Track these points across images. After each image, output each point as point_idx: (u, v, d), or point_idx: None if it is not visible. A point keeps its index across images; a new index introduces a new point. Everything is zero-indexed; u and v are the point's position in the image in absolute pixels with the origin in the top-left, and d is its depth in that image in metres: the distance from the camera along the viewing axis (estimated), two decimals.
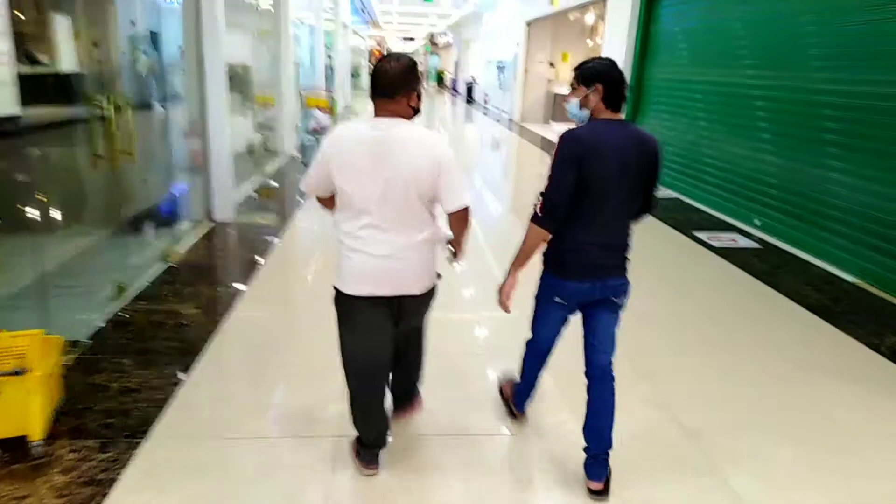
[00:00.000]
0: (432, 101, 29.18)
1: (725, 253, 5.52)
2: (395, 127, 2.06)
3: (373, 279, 2.14)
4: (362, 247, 2.12)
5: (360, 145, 2.06)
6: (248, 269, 4.68)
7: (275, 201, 7.34)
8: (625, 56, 9.36)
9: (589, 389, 2.38)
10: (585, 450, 2.35)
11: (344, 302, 2.21)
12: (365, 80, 31.53)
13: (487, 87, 23.97)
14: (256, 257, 4.95)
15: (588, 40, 16.68)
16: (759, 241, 5.96)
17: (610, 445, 2.32)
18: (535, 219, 2.20)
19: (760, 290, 4.68)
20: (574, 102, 2.23)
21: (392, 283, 2.15)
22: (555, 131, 13.91)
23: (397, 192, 2.05)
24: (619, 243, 2.27)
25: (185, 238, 5.20)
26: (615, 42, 9.89)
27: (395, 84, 2.06)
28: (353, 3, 21.25)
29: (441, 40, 41.47)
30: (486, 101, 24.25)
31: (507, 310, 2.35)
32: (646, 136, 2.20)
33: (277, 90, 9.52)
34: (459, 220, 2.20)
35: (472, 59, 28.24)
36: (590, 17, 15.96)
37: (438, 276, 2.31)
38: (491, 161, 12.45)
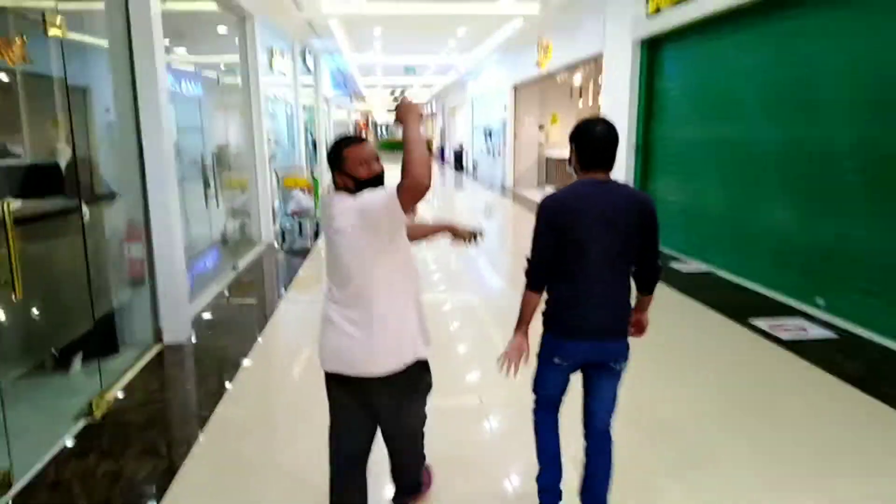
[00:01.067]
0: None
1: (798, 348, 4.43)
2: (333, 199, 2.10)
3: (333, 355, 2.15)
4: (327, 321, 2.16)
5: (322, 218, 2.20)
6: (196, 421, 3.55)
7: (248, 301, 6.27)
8: (627, 114, 8.58)
9: (586, 450, 2.40)
10: None
11: (325, 378, 2.25)
12: None
13: (475, 154, 23.45)
14: (213, 395, 3.83)
15: (579, 101, 16.15)
16: (831, 326, 4.90)
17: None
18: (526, 284, 2.31)
19: (866, 405, 3.58)
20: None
21: (348, 362, 2.12)
22: None
23: (342, 262, 2.07)
24: (613, 303, 2.24)
25: (120, 376, 4.07)
26: (614, 100, 9.15)
27: (328, 164, 2.17)
28: (334, 77, 20.88)
29: (425, 110, 41.65)
30: (474, 168, 23.68)
31: (511, 368, 2.32)
32: (633, 195, 2.22)
33: (251, 172, 8.63)
34: (410, 189, 1.84)
35: (458, 127, 27.93)
36: (577, 78, 15.49)
37: (424, 365, 2.25)
38: (485, 230, 11.54)
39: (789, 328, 4.84)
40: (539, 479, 2.43)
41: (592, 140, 2.19)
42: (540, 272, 2.25)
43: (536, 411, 2.47)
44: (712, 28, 6.79)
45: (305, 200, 9.54)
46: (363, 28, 13.11)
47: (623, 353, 2.28)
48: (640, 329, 2.43)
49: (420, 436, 2.41)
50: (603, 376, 2.30)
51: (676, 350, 4.47)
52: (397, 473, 2.45)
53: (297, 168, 11.86)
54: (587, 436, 2.40)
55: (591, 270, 2.17)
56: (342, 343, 2.09)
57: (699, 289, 6.12)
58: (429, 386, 2.32)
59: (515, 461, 3.00)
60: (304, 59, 13.75)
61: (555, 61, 12.49)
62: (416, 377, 2.20)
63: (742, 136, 6.40)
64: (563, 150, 15.52)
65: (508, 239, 10.72)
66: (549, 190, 2.35)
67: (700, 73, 7.21)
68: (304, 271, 7.56)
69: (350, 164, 2.08)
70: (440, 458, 2.82)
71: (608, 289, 2.20)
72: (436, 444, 2.62)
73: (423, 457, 2.51)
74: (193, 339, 4.81)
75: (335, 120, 25.57)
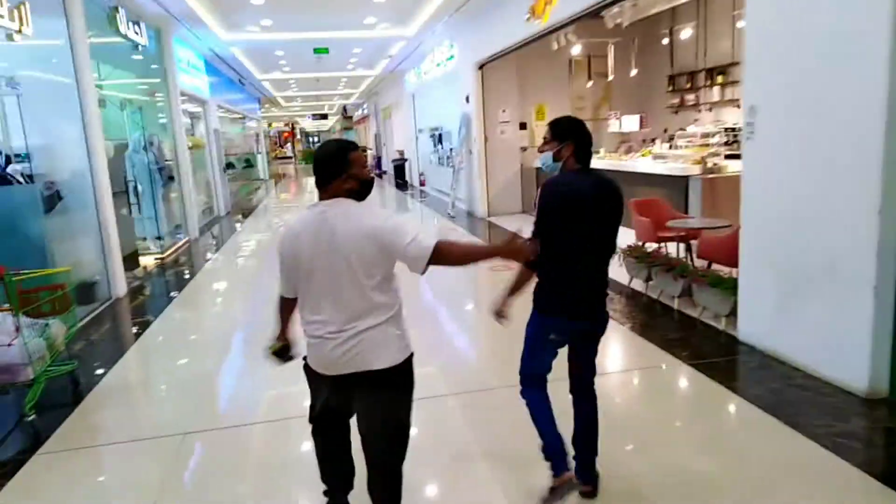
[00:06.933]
0: None
1: None
2: (335, 206, 2.13)
3: (324, 362, 2.19)
4: (314, 331, 2.17)
5: (307, 230, 2.13)
6: None
7: None
8: (887, 83, 3.03)
9: (574, 405, 2.62)
10: (574, 457, 2.56)
11: (306, 369, 2.31)
12: (262, 167, 25.18)
13: (422, 164, 17.72)
14: None
15: (587, 82, 10.62)
16: None
17: (596, 453, 2.60)
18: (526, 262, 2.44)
19: None
20: (548, 155, 2.47)
21: (347, 364, 2.15)
22: None
23: (341, 273, 2.09)
24: (600, 281, 2.49)
25: None
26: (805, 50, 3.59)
27: (322, 172, 2.17)
28: (214, 69, 14.72)
29: (356, 113, 35.55)
30: (422, 183, 17.95)
31: (503, 318, 2.59)
32: (609, 182, 2.44)
33: None
34: (444, 261, 2.10)
35: (396, 130, 22.09)
36: (576, 48, 9.97)
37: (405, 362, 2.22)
38: (447, 289, 5.88)
39: None
40: (545, 449, 2.54)
41: (588, 137, 2.44)
42: (543, 252, 2.37)
43: (524, 392, 2.61)
44: None
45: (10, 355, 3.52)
46: None
47: (606, 321, 2.55)
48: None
49: (403, 441, 2.30)
50: (588, 341, 2.57)
51: None
52: (376, 486, 2.30)
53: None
54: (574, 393, 2.62)
55: (583, 254, 2.41)
56: (343, 349, 2.12)
57: None
58: (413, 385, 2.29)
59: None
60: (111, 20, 7.66)
61: (571, 3, 6.86)
62: (410, 373, 2.25)
63: None
64: None
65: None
66: None
67: None
68: None
69: (357, 167, 2.17)
70: None
71: (596, 270, 2.47)
72: None
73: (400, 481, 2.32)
74: None
75: (247, 129, 19.33)
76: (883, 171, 3.09)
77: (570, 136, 2.42)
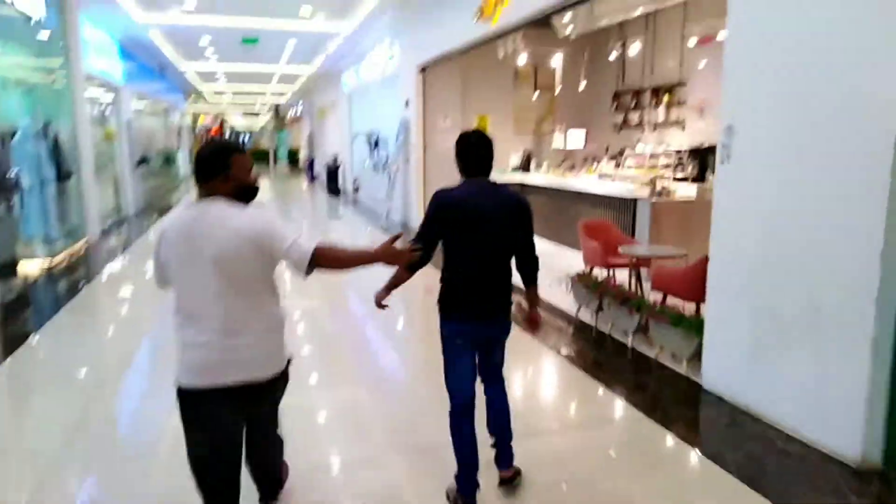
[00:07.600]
0: (285, 186, 21.59)
1: None
2: (211, 206, 2.04)
3: (200, 369, 2.03)
4: (194, 336, 2.03)
5: (180, 230, 2.05)
6: None
7: None
8: None
9: (485, 392, 2.75)
10: (492, 445, 2.73)
11: (184, 398, 2.07)
12: (183, 165, 23.60)
13: (357, 170, 16.92)
14: None
15: (533, 92, 10.18)
16: None
17: (510, 436, 2.73)
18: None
19: None
20: None
21: (235, 371, 2.04)
22: None
23: (216, 277, 2.00)
24: (499, 289, 2.60)
25: None
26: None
27: (202, 169, 2.08)
28: (129, 54, 13.44)
29: (289, 112, 34.19)
30: (356, 190, 17.14)
31: (380, 305, 2.65)
32: (512, 195, 2.60)
33: None
34: (324, 265, 2.06)
35: (330, 133, 21.17)
36: (523, 57, 9.56)
37: (288, 361, 2.25)
38: (373, 313, 5.15)
39: None
40: (457, 477, 2.63)
41: (472, 153, 2.57)
42: (425, 253, 2.49)
43: (452, 415, 2.63)
44: None
45: None
46: None
47: (508, 328, 2.70)
48: (535, 325, 2.86)
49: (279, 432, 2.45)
50: (493, 346, 2.71)
51: None
52: (262, 472, 2.39)
53: None
54: (484, 381, 2.74)
55: (481, 261, 2.54)
56: (232, 356, 2.03)
57: None
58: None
59: None
60: None
61: (523, 5, 6.38)
62: (286, 375, 2.26)
63: None
64: (499, 174, 9.64)
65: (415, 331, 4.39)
66: None
67: None
68: None
69: (237, 169, 2.09)
70: None
71: (495, 277, 2.57)
72: None
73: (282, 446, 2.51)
74: None
75: (154, 125, 17.89)
76: (888, 207, 2.68)
77: (456, 153, 2.60)
